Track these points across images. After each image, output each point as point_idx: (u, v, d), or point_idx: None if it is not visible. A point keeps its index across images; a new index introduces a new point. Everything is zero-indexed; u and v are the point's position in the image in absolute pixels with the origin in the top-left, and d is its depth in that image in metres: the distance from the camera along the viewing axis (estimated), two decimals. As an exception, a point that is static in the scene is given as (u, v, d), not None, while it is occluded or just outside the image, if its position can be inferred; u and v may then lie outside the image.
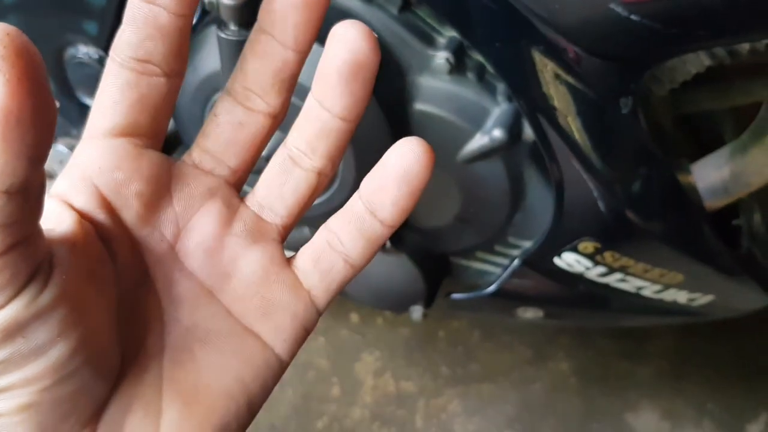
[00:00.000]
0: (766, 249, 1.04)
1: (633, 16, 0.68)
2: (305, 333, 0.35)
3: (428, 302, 1.02)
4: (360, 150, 0.81)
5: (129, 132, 0.31)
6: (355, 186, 0.84)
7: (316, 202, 0.88)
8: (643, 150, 0.79)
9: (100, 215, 0.31)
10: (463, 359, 1.49)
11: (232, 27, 0.72)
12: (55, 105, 0.25)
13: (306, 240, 1.06)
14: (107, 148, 0.31)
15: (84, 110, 1.03)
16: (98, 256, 0.30)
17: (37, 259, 0.27)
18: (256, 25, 0.33)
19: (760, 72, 0.95)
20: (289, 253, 0.36)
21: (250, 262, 0.34)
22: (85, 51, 0.95)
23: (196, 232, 0.33)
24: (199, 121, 0.85)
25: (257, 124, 0.34)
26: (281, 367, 0.35)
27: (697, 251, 0.87)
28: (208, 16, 0.84)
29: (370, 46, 0.31)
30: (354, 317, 1.55)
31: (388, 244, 0.93)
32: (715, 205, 0.93)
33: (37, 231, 0.27)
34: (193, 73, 0.81)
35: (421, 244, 0.97)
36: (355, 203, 0.34)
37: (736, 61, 0.79)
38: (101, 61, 0.95)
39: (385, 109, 0.79)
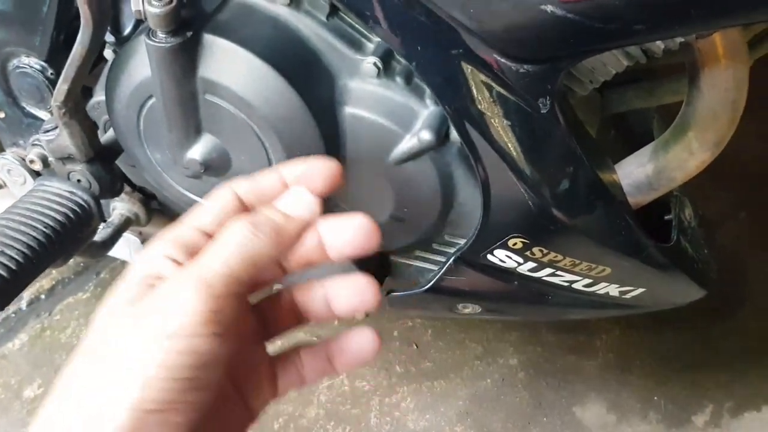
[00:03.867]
0: (696, 242, 1.08)
1: (569, 15, 0.69)
2: None
3: (370, 300, 1.05)
4: (292, 153, 0.84)
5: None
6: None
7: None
8: (565, 149, 0.82)
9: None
10: (416, 357, 1.51)
11: (160, 34, 0.75)
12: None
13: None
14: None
15: (29, 119, 1.04)
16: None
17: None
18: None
19: (685, 72, 0.98)
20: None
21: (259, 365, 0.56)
22: (26, 61, 0.97)
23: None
24: (134, 127, 0.87)
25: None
26: None
27: (622, 245, 0.90)
28: (142, 25, 0.86)
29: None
30: (309, 319, 1.57)
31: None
32: (642, 200, 0.96)
33: None
34: (128, 80, 0.83)
35: (360, 244, 0.99)
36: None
37: (652, 60, 0.83)
38: (43, 71, 0.97)
39: (316, 113, 0.82)
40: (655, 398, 1.44)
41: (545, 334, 1.53)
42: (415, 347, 1.53)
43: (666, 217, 1.06)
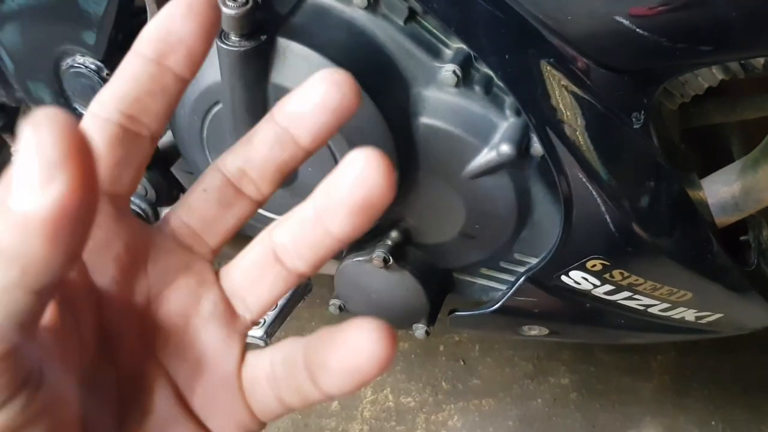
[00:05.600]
0: (774, 265, 1.03)
1: (639, 30, 0.66)
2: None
3: (431, 319, 1.00)
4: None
5: (110, 190, 0.29)
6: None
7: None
8: (654, 165, 0.77)
9: (71, 275, 0.27)
10: (463, 374, 1.47)
11: (233, 37, 0.70)
12: (98, 196, 0.22)
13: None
14: None
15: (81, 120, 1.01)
16: (68, 337, 0.27)
17: (33, 360, 0.24)
18: (268, 115, 0.31)
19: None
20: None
21: (219, 354, 0.31)
22: (81, 60, 0.93)
23: (166, 305, 0.31)
24: (197, 133, 0.83)
25: (245, 208, 0.32)
26: None
27: (707, 269, 0.85)
28: (209, 26, 0.82)
29: (388, 183, 0.28)
30: (353, 331, 1.52)
31: (391, 260, 0.90)
32: (726, 221, 0.91)
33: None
34: (193, 83, 0.79)
35: (425, 260, 0.95)
36: None
37: (750, 75, 0.78)
38: (98, 71, 0.93)
39: (390, 122, 0.77)
40: (713, 423, 1.39)
41: (598, 354, 1.47)
42: (462, 363, 1.48)
43: (742, 238, 1.00)
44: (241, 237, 1.04)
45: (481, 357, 1.49)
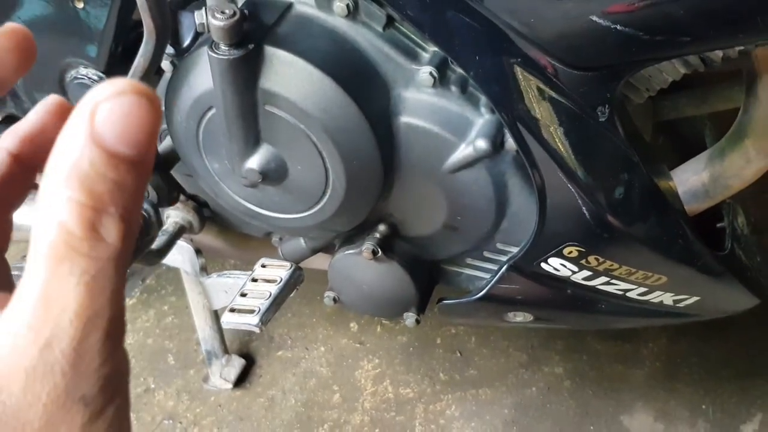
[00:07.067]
0: (749, 250, 1.07)
1: (616, 26, 0.71)
2: None
3: (420, 308, 1.05)
4: (349, 162, 0.84)
5: None
6: (345, 197, 0.88)
7: (308, 213, 0.91)
8: (622, 156, 0.82)
9: None
10: (460, 365, 1.51)
11: (223, 47, 0.76)
12: None
13: (303, 250, 1.08)
14: None
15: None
16: None
17: None
18: None
19: (737, 78, 0.98)
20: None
21: None
22: (84, 72, 0.99)
23: None
24: (193, 137, 0.88)
25: None
26: None
27: (679, 253, 0.90)
28: (201, 38, 0.87)
29: None
30: (353, 326, 1.57)
31: (380, 252, 0.96)
32: (698, 208, 0.96)
33: None
34: (188, 91, 0.84)
35: (412, 252, 1.00)
36: None
37: (710, 68, 0.82)
38: (101, 82, 0.98)
39: (372, 122, 0.82)
40: (703, 407, 1.43)
41: (591, 342, 1.52)
42: (459, 354, 1.53)
43: (719, 225, 1.05)
44: (240, 235, 1.09)
45: (477, 348, 1.53)
